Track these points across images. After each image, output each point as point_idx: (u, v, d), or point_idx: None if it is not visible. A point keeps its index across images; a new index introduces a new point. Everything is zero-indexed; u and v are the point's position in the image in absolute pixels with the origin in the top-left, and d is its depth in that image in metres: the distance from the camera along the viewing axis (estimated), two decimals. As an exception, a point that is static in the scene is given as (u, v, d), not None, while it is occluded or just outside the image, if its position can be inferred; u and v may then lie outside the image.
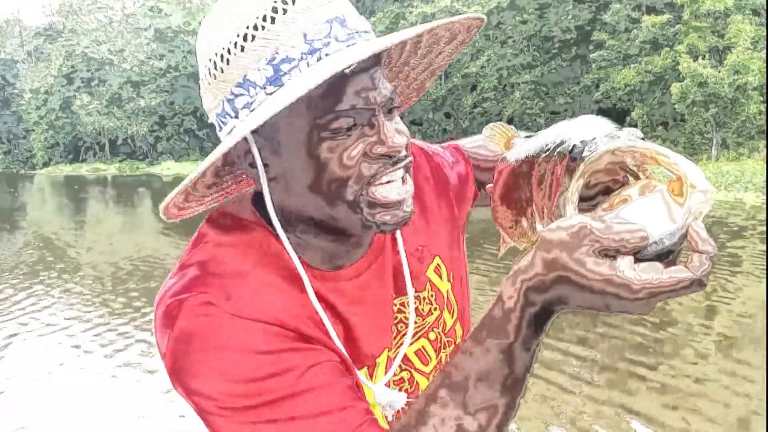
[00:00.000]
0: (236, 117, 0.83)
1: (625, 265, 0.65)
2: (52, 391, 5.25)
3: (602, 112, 39.08)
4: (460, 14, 0.85)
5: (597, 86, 37.00)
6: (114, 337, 6.65)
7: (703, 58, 28.31)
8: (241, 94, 0.82)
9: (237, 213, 0.95)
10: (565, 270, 0.68)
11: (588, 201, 0.76)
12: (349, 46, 0.81)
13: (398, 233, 1.01)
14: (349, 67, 0.77)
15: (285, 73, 0.79)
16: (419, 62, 1.05)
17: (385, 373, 0.98)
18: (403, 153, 0.86)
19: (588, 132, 0.72)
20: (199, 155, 66.85)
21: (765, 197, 18.23)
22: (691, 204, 0.65)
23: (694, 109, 28.40)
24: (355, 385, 0.87)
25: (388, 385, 0.97)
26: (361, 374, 0.93)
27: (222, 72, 0.83)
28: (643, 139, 0.71)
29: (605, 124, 0.74)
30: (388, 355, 0.99)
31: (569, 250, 0.67)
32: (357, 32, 0.83)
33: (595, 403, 4.83)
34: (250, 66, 0.81)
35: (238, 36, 0.81)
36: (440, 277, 1.10)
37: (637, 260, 0.66)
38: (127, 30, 69.11)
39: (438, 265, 1.10)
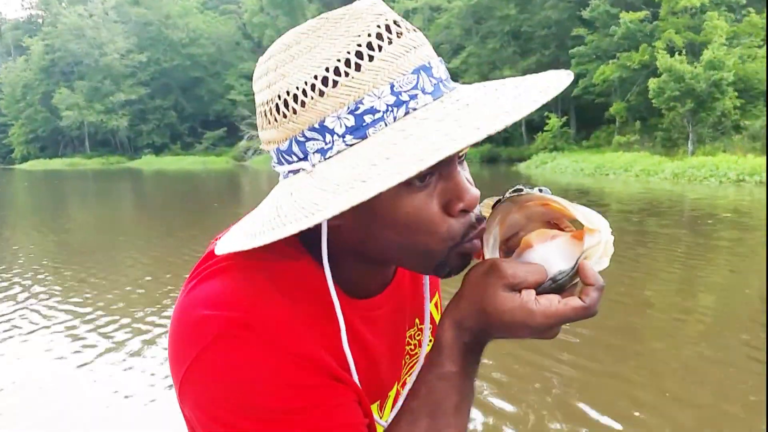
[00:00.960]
0: (305, 159, 0.78)
1: (526, 298, 0.78)
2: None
3: (581, 107, 39.44)
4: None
5: (576, 82, 37.34)
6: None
7: (679, 54, 28.62)
8: (315, 139, 0.77)
9: (288, 247, 0.89)
10: (482, 302, 0.80)
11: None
12: (435, 99, 0.76)
13: (427, 300, 1.04)
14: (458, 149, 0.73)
15: (368, 125, 0.74)
16: None
17: (392, 406, 1.02)
18: (478, 208, 0.85)
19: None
20: (180, 149, 66.61)
21: None
22: (585, 246, 0.80)
23: (671, 104, 28.73)
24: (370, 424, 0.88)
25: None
26: (373, 408, 0.95)
27: (294, 113, 0.77)
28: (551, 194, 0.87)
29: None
30: (397, 388, 1.02)
31: (484, 285, 0.80)
32: (441, 81, 0.78)
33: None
34: (328, 112, 0.75)
35: (316, 79, 0.75)
36: (438, 309, 1.13)
37: (539, 293, 0.79)
38: (107, 23, 68.51)
39: (437, 301, 1.13)
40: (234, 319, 0.77)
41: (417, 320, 1.06)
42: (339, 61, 0.74)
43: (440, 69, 0.79)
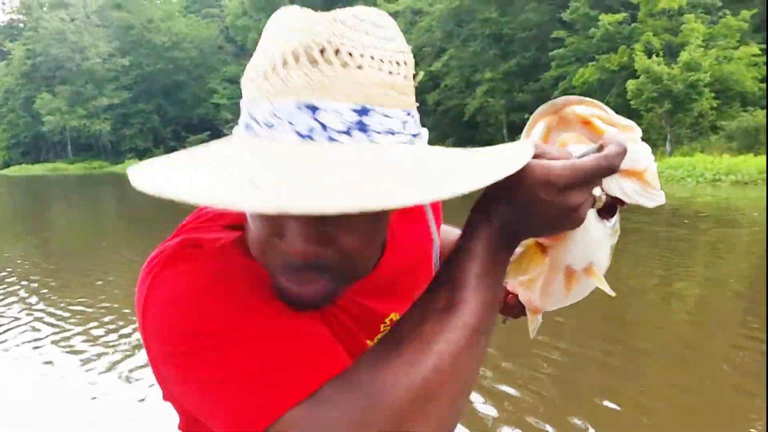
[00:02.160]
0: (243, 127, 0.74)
1: (545, 160, 0.74)
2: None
3: (562, 108, 39.76)
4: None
5: (556, 84, 37.71)
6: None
7: (657, 56, 29.00)
8: (249, 123, 0.74)
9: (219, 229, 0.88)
10: (506, 180, 0.69)
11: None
12: (300, 140, 0.68)
13: (435, 238, 1.02)
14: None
15: (250, 129, 0.72)
16: None
17: None
18: (316, 261, 0.75)
19: None
20: (163, 153, 66.01)
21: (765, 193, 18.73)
22: (614, 133, 0.78)
23: (649, 105, 29.13)
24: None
25: None
26: None
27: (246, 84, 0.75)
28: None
29: None
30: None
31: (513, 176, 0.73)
32: (324, 128, 0.68)
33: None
34: (251, 95, 0.73)
35: (255, 65, 0.74)
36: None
37: None
38: (88, 27, 68.25)
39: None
40: (183, 241, 0.80)
41: (394, 314, 0.97)
42: (264, 60, 0.71)
43: (338, 117, 0.68)
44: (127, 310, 7.17)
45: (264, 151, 0.67)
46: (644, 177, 0.79)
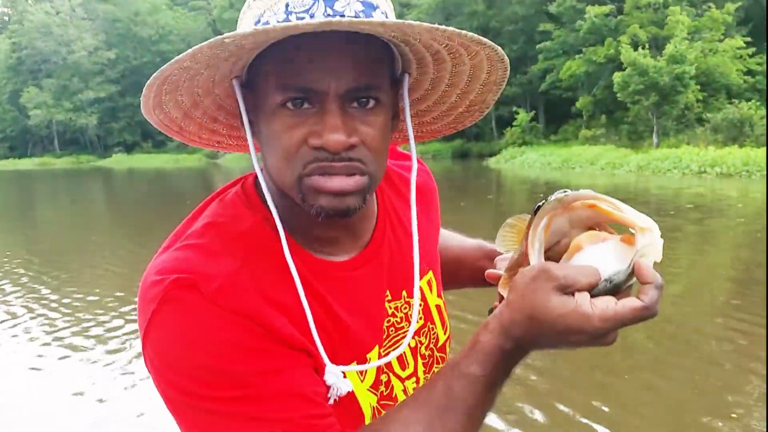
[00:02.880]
0: None
1: (581, 300, 0.73)
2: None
3: (549, 102, 39.98)
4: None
5: (544, 77, 37.87)
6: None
7: (643, 48, 29.17)
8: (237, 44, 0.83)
9: (238, 193, 0.97)
10: (532, 309, 0.75)
11: None
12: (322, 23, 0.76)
13: (415, 238, 0.99)
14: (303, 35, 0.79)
15: (290, 20, 0.82)
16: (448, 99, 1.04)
17: (376, 372, 0.98)
18: (346, 154, 0.83)
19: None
20: (152, 147, 66.19)
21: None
22: (638, 245, 0.75)
23: (636, 97, 29.30)
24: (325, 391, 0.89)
25: (374, 386, 0.97)
26: (352, 374, 0.93)
27: (243, 15, 0.89)
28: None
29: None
30: (379, 352, 0.99)
31: (533, 290, 0.76)
32: (342, 15, 0.81)
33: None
34: (245, 23, 0.87)
35: None
36: (431, 290, 1.12)
37: (593, 296, 0.75)
38: (74, 21, 67.78)
39: (431, 279, 1.13)
40: (179, 281, 0.82)
41: (405, 293, 1.04)
42: None
43: (352, 5, 0.82)
44: (116, 303, 7.25)
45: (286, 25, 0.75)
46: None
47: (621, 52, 29.20)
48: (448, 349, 1.15)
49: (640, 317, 0.73)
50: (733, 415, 4.21)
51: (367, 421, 0.94)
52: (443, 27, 0.79)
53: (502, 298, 0.95)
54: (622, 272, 0.75)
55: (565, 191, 0.81)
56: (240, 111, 0.89)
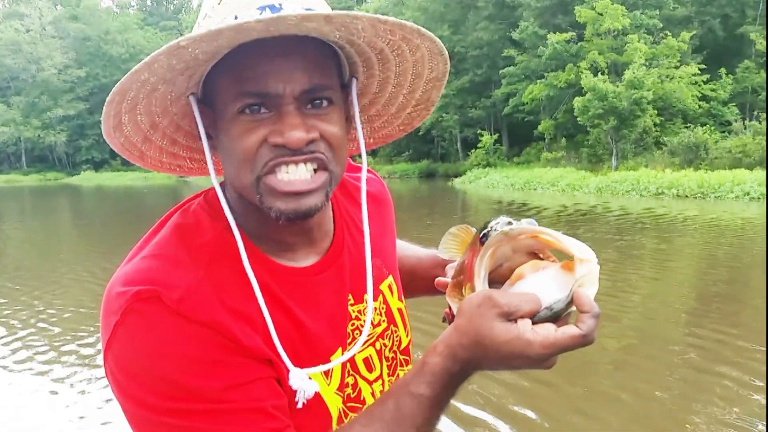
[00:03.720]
0: None
1: (523, 328, 0.77)
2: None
3: (512, 125, 40.78)
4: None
5: (507, 101, 38.66)
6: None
7: (602, 74, 30.11)
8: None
9: (200, 203, 0.99)
10: (477, 334, 0.79)
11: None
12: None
13: (367, 240, 1.03)
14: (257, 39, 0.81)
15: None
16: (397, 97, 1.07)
17: (343, 374, 1.00)
18: (307, 148, 0.86)
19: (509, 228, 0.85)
20: (120, 165, 65.83)
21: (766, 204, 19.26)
22: (577, 274, 0.78)
23: (595, 121, 30.16)
24: (287, 404, 0.90)
25: (340, 389, 0.99)
26: (317, 376, 0.95)
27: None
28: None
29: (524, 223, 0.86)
30: (342, 353, 1.01)
31: (479, 315, 0.80)
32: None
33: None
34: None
35: (204, 13, 0.90)
36: (392, 293, 1.15)
37: (535, 323, 0.78)
38: (44, 38, 67.46)
39: (391, 283, 1.15)
40: (141, 293, 0.83)
41: (366, 296, 1.04)
42: None
43: (297, 11, 0.83)
44: (84, 324, 7.25)
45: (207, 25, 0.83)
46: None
47: (581, 78, 30.06)
48: (411, 352, 1.20)
49: (578, 344, 0.77)
50: (689, 426, 4.36)
51: (335, 424, 0.98)
52: (385, 17, 0.83)
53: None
54: (561, 301, 0.79)
55: (510, 222, 0.85)
56: (197, 124, 0.91)
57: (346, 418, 0.99)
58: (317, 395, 0.94)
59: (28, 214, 28.34)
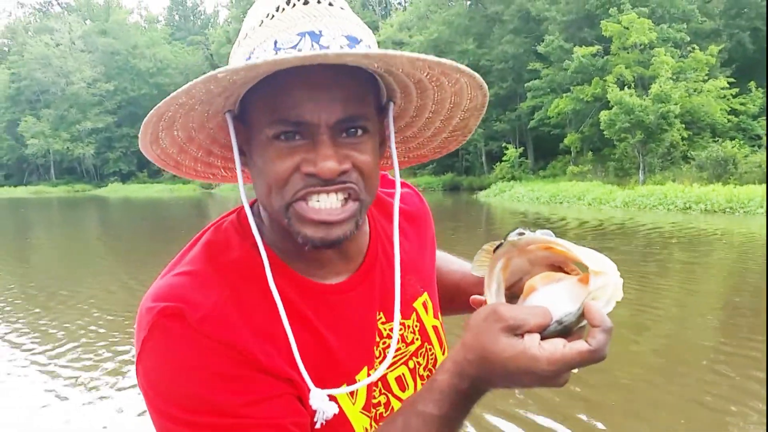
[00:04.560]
0: None
1: (529, 343, 0.74)
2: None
3: (538, 138, 40.63)
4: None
5: (532, 114, 38.55)
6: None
7: (629, 88, 29.85)
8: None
9: (232, 221, 1.00)
10: (483, 350, 0.77)
11: None
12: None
13: (396, 259, 0.99)
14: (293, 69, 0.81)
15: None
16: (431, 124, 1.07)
17: (367, 394, 0.99)
18: (338, 179, 0.85)
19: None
20: (147, 177, 66.65)
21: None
22: (591, 287, 0.75)
23: (622, 135, 29.95)
24: (308, 422, 0.89)
25: (367, 408, 0.98)
26: (342, 397, 0.94)
27: (233, 50, 0.94)
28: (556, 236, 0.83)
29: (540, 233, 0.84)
30: (368, 374, 0.99)
31: (484, 330, 0.77)
32: (326, 49, 0.83)
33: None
34: (236, 59, 0.91)
35: (244, 33, 0.91)
36: (426, 311, 1.13)
37: (543, 338, 0.75)
38: (73, 53, 68.59)
39: (426, 300, 1.14)
40: (167, 309, 0.85)
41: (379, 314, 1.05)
42: (257, 19, 0.89)
43: (336, 42, 0.84)
44: (115, 333, 7.29)
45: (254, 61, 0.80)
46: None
47: (608, 91, 29.81)
48: None
49: (588, 360, 0.73)
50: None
51: None
52: (423, 56, 0.83)
53: None
54: (572, 314, 0.76)
55: (521, 232, 0.82)
56: (232, 143, 0.92)
57: None
58: (341, 414, 0.93)
59: (57, 224, 28.66)
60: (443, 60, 0.86)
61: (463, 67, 0.89)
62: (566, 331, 0.77)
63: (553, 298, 0.78)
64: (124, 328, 7.39)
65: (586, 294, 0.76)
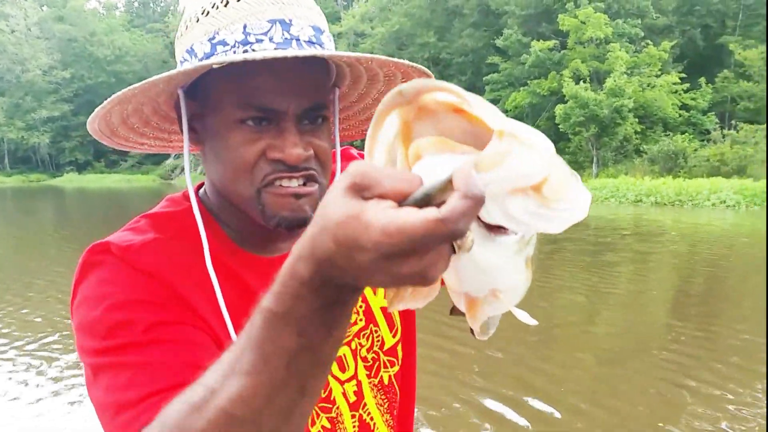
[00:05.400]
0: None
1: (371, 206, 0.51)
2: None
3: (496, 130, 40.98)
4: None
5: (491, 107, 38.82)
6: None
7: (584, 82, 30.42)
8: (186, 60, 0.88)
9: (178, 198, 1.00)
10: (319, 216, 0.54)
11: None
12: (276, 48, 0.82)
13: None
14: (263, 60, 0.80)
15: (217, 54, 0.84)
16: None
17: None
18: (303, 165, 0.87)
19: None
20: (104, 167, 65.65)
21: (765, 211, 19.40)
22: (487, 150, 0.51)
23: (576, 129, 30.52)
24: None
25: None
26: None
27: (182, 35, 0.91)
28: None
29: None
30: None
31: (328, 192, 0.54)
32: (297, 39, 0.84)
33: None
34: (197, 38, 0.87)
35: (201, 8, 0.88)
36: (375, 292, 1.09)
37: None
38: (29, 39, 67.15)
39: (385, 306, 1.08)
40: (95, 247, 0.88)
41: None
42: None
43: (304, 32, 0.85)
44: (66, 323, 7.18)
45: (252, 55, 0.80)
46: (542, 191, 0.53)
47: (563, 86, 30.38)
48: (399, 352, 1.10)
49: (434, 232, 0.49)
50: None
51: None
52: (395, 60, 0.87)
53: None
54: (440, 182, 0.51)
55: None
56: (180, 116, 0.91)
57: (317, 419, 1.00)
58: None
59: (10, 214, 28.11)
60: (410, 63, 0.91)
61: (421, 67, 0.93)
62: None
63: (436, 167, 0.54)
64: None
65: (472, 159, 0.51)
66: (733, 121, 30.75)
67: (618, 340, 6.58)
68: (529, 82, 35.28)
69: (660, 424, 4.53)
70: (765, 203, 19.80)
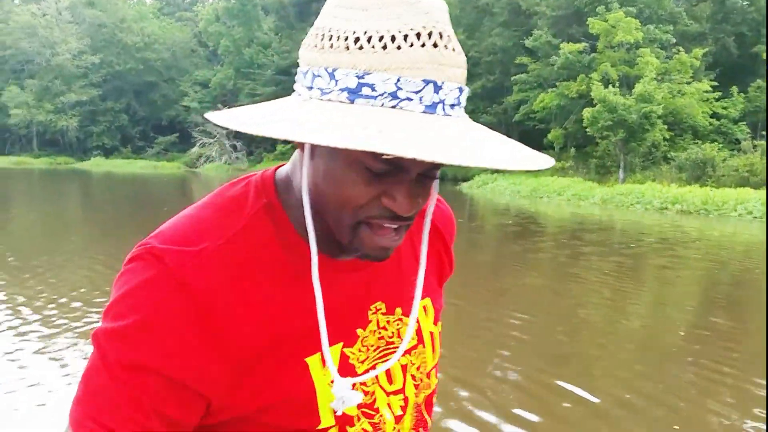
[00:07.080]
0: (310, 88, 0.84)
1: None
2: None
3: (523, 132, 40.90)
4: None
5: (518, 108, 38.85)
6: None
7: (613, 86, 30.20)
8: (322, 76, 0.82)
9: (255, 178, 0.99)
10: None
11: None
12: (424, 112, 0.79)
13: (423, 254, 1.01)
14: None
15: (360, 95, 0.79)
16: None
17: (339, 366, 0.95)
18: (409, 215, 0.87)
19: None
20: (131, 153, 66.26)
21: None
22: None
23: (604, 133, 30.33)
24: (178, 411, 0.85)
25: (354, 385, 0.96)
26: (314, 360, 0.93)
27: (331, 48, 0.82)
28: None
29: None
30: (343, 351, 0.97)
31: None
32: (443, 104, 0.81)
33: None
34: (343, 64, 0.81)
35: (364, 34, 0.80)
36: (426, 314, 1.12)
37: None
38: (60, 23, 67.83)
39: (427, 305, 1.13)
40: (144, 245, 0.88)
41: (399, 310, 1.05)
42: (385, 34, 0.79)
43: (451, 94, 0.81)
44: (96, 302, 7.37)
45: (397, 117, 0.78)
46: None
47: (592, 89, 30.17)
48: (433, 377, 1.15)
49: None
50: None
51: (329, 420, 0.94)
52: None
53: None
54: None
55: None
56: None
57: (357, 422, 0.97)
58: (309, 382, 0.92)
59: (38, 195, 28.35)
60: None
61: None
62: None
63: None
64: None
65: None
66: (764, 132, 30.45)
67: (639, 346, 6.62)
68: (557, 83, 35.12)
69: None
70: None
